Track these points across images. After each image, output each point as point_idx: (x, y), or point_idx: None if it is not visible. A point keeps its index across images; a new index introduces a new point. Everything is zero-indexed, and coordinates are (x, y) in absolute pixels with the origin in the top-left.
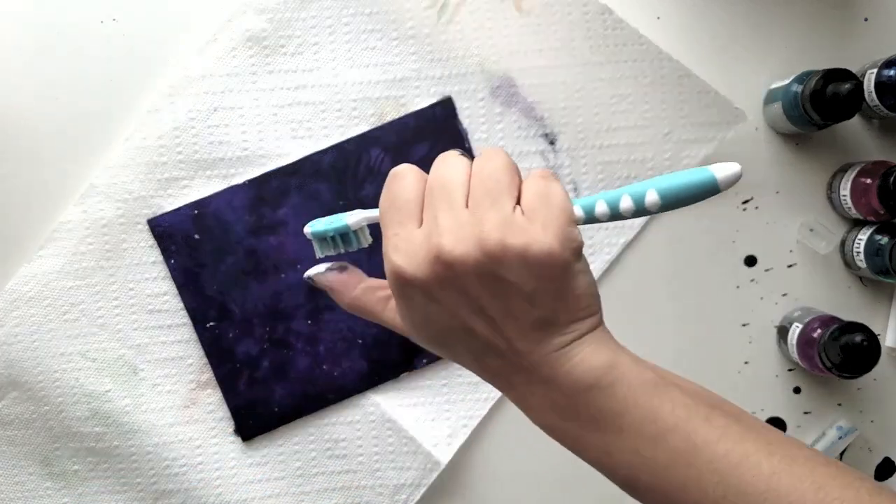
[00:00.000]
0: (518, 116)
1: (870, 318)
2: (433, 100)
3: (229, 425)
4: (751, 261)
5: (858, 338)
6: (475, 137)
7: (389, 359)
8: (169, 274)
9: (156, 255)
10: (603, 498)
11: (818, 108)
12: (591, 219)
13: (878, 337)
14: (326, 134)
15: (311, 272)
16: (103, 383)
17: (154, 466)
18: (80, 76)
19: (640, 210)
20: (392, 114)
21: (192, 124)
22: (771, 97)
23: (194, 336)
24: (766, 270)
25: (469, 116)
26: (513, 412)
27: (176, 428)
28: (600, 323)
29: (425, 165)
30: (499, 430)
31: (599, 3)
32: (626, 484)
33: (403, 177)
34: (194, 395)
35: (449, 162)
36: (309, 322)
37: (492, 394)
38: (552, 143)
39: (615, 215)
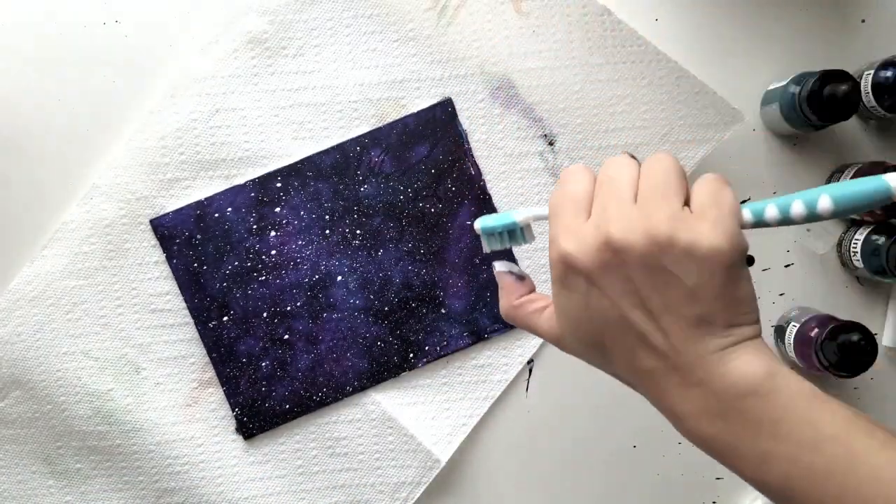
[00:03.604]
0: (518, 117)
1: (867, 317)
2: (433, 101)
3: (231, 424)
4: (748, 261)
5: (855, 337)
6: (475, 138)
7: (390, 358)
8: (171, 273)
9: (158, 254)
10: (602, 497)
11: (815, 109)
12: (759, 222)
13: (875, 336)
14: (327, 135)
15: (498, 266)
16: (106, 382)
17: (156, 465)
18: (82, 77)
19: (811, 216)
20: (392, 115)
21: (194, 125)
22: (768, 98)
23: (196, 335)
24: (764, 270)
25: (469, 117)
26: (512, 412)
27: (178, 426)
28: (758, 334)
29: (426, 166)
30: (499, 429)
31: (598, 5)
32: (782, 495)
33: (575, 174)
34: (196, 393)
35: (619, 161)
36: (310, 321)
37: (492, 392)
38: (551, 143)
39: (785, 220)
